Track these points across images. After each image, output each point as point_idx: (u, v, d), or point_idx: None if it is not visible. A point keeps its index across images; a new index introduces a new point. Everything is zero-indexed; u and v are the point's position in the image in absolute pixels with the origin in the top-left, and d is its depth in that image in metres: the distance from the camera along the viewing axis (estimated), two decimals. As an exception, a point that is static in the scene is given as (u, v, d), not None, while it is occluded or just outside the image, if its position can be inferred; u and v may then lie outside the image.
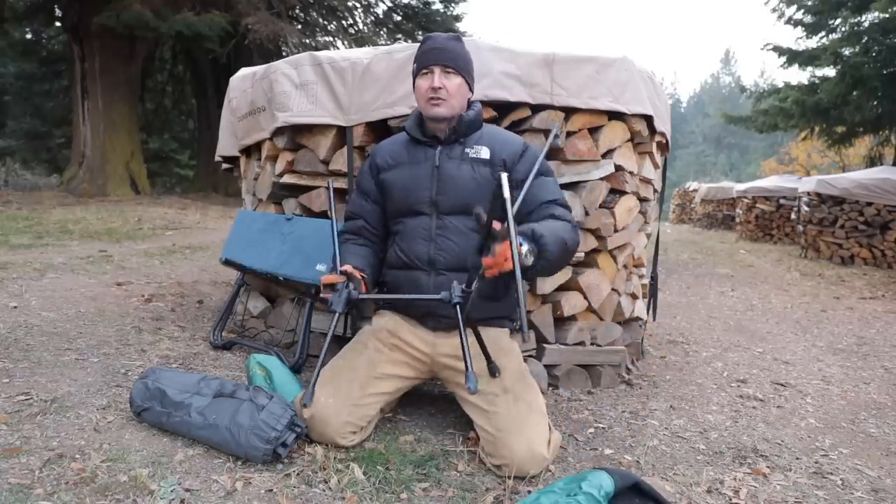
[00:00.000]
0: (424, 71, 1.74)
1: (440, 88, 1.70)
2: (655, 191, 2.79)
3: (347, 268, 1.69)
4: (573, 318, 2.34)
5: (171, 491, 1.37)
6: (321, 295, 1.68)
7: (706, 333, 3.69)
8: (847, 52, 9.71)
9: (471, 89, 1.81)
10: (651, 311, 2.93)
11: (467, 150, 1.78)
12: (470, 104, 1.82)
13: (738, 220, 11.56)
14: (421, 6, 14.42)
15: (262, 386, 1.81)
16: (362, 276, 1.71)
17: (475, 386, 1.38)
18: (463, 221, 1.74)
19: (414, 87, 1.80)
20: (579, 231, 1.79)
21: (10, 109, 16.77)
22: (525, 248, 1.44)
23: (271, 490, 1.42)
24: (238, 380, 2.10)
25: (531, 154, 1.81)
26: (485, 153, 1.77)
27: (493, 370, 1.64)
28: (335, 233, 1.89)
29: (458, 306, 1.51)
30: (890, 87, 9.24)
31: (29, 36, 15.44)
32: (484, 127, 1.85)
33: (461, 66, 1.75)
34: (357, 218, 1.90)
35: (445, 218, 1.75)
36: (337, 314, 1.61)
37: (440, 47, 1.73)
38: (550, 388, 2.29)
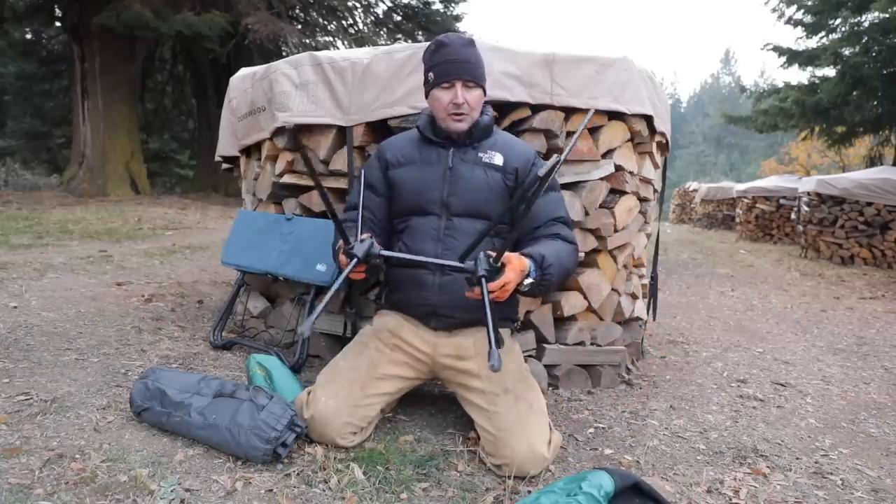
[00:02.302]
0: (445, 84, 1.71)
1: (463, 104, 1.70)
2: (655, 191, 2.79)
3: (369, 234, 1.61)
4: (573, 318, 2.34)
5: (171, 491, 1.37)
6: (341, 255, 1.55)
7: (706, 333, 3.69)
8: (847, 52, 9.71)
9: (485, 93, 1.80)
10: (651, 311, 2.93)
11: (481, 154, 1.78)
12: (483, 108, 1.81)
13: (738, 220, 11.55)
14: (421, 6, 14.42)
15: (262, 386, 1.81)
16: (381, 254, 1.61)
17: (498, 363, 1.30)
18: (472, 224, 1.74)
19: (428, 94, 1.78)
20: (578, 236, 1.79)
21: (10, 109, 16.77)
22: (529, 280, 1.54)
23: (271, 490, 1.42)
24: (238, 380, 2.10)
25: (540, 167, 1.80)
26: (498, 159, 1.77)
27: (494, 360, 1.56)
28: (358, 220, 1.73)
29: (482, 279, 1.43)
30: (890, 87, 9.24)
31: (29, 36, 15.44)
32: (496, 133, 1.86)
33: (480, 76, 1.74)
34: (362, 209, 1.85)
35: (455, 219, 1.75)
36: (351, 264, 1.48)
37: (461, 59, 1.71)
38: (550, 388, 2.29)
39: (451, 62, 1.71)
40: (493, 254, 1.46)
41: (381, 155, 1.88)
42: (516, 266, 1.49)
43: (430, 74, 1.75)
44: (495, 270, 1.46)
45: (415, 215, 1.79)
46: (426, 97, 1.80)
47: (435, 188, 1.76)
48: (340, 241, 1.58)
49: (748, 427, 2.11)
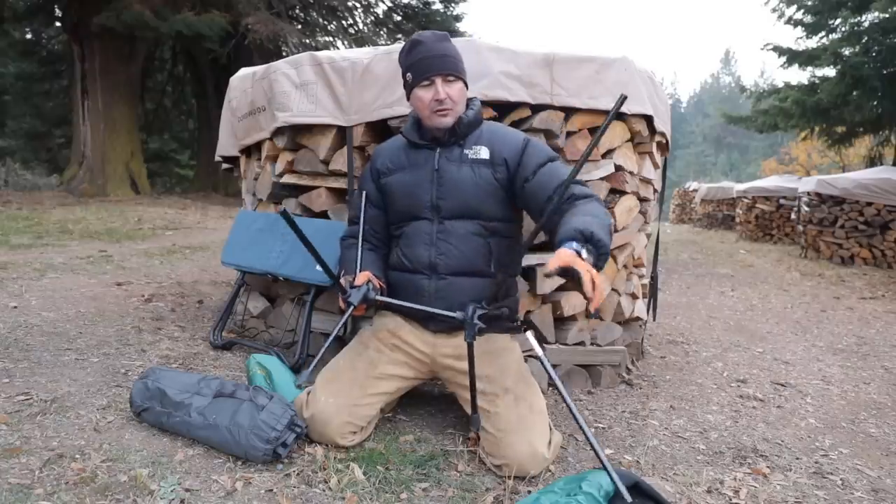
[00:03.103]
0: (425, 82, 1.68)
1: (446, 99, 1.67)
2: (655, 191, 2.79)
3: (368, 274, 1.70)
4: (573, 318, 2.34)
5: (171, 491, 1.37)
6: (339, 300, 1.67)
7: (706, 333, 3.69)
8: (847, 52, 9.71)
9: (466, 87, 1.77)
10: (651, 311, 2.93)
11: (466, 151, 1.74)
12: (469, 103, 1.78)
13: (738, 220, 11.56)
14: (421, 6, 14.44)
15: (262, 386, 1.81)
16: (381, 286, 1.73)
17: (477, 427, 1.54)
18: (464, 225, 1.72)
19: (409, 96, 1.75)
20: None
21: (10, 109, 16.79)
22: (585, 255, 1.35)
23: (271, 490, 1.42)
24: (238, 380, 2.10)
25: (534, 145, 1.75)
26: (484, 153, 1.73)
27: (475, 425, 1.73)
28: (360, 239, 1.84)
29: (470, 345, 1.54)
30: (890, 87, 9.24)
31: (29, 36, 15.46)
32: (483, 125, 1.81)
33: (460, 69, 1.72)
34: (363, 224, 1.86)
35: (446, 222, 1.73)
36: (348, 311, 1.60)
37: (438, 54, 1.68)
38: (550, 388, 2.29)
39: (428, 58, 1.67)
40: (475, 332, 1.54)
41: (372, 165, 1.88)
42: (563, 258, 1.31)
43: (409, 75, 1.72)
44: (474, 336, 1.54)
45: (408, 221, 1.78)
46: (408, 99, 1.77)
47: (424, 192, 1.74)
48: (359, 266, 1.75)
49: (748, 427, 2.11)
